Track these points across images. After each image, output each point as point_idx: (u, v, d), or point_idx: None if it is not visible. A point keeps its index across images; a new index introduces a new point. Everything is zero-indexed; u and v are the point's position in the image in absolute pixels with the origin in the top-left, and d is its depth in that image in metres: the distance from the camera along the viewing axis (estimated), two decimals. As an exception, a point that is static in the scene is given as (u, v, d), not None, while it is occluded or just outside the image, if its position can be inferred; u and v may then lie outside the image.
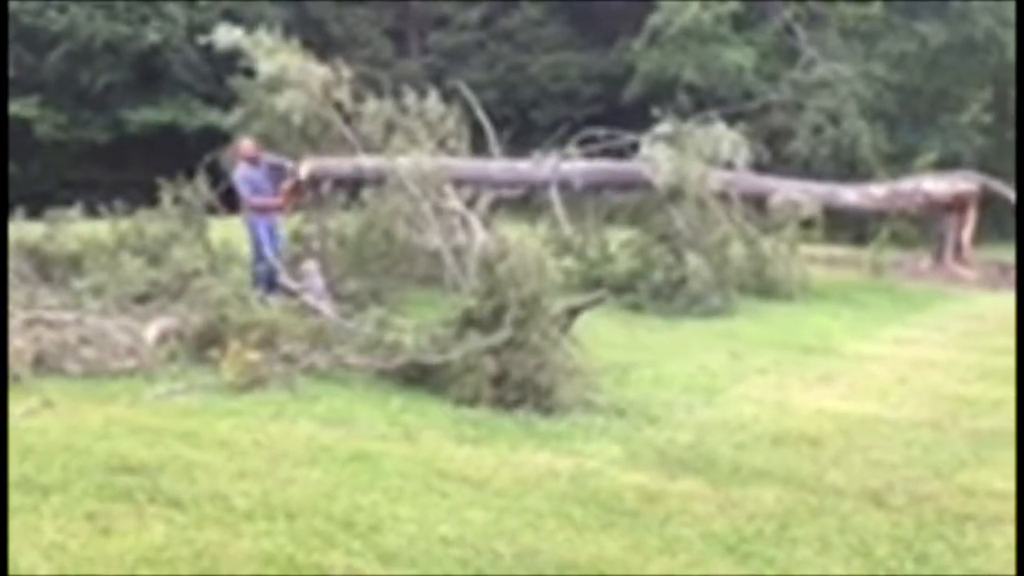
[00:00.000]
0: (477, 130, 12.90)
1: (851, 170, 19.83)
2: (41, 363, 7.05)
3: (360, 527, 4.37)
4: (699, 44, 23.14)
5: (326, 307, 8.69)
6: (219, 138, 15.82)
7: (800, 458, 5.78)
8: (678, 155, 12.36)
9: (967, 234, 14.69)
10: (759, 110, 20.14)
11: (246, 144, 10.71)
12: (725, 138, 12.79)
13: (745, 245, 12.94)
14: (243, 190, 10.44)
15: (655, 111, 13.39)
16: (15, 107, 23.38)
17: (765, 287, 12.63)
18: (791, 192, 13.48)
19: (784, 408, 7.06)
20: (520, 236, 8.34)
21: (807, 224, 13.05)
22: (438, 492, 4.91)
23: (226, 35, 11.32)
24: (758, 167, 13.61)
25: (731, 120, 13.43)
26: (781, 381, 8.00)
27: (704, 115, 13.63)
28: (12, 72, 23.82)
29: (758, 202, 13.35)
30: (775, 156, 15.44)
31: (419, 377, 7.18)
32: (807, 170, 19.04)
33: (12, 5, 23.73)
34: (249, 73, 11.48)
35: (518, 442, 5.93)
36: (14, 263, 9.88)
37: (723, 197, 12.54)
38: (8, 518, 4.06)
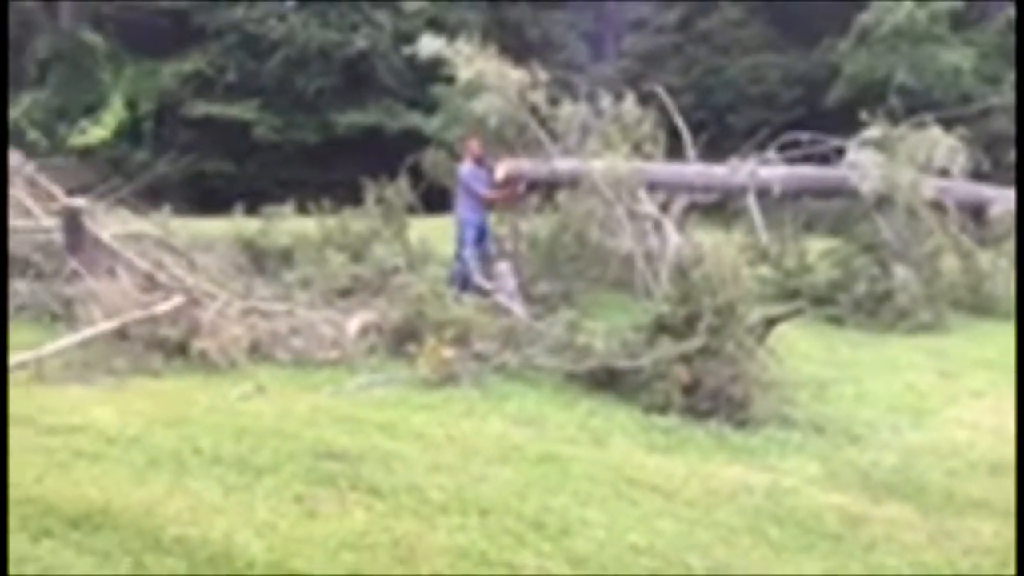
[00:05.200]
0: (673, 134, 12.70)
1: (1083, 179, 18.16)
2: (255, 350, 7.54)
3: (550, 529, 4.38)
4: (912, 44, 21.88)
5: (517, 308, 8.79)
6: (421, 141, 16.38)
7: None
8: (888, 161, 11.71)
9: None
10: (978, 114, 18.76)
11: (473, 144, 11.09)
12: (940, 144, 11.96)
13: (960, 258, 12.05)
14: (474, 186, 10.85)
15: (862, 115, 12.74)
16: (237, 110, 25.21)
17: (981, 304, 11.74)
18: (1012, 202, 12.49)
19: (1002, 435, 6.52)
20: (715, 242, 8.15)
21: (1030, 238, 12.03)
22: (627, 499, 4.86)
23: (428, 45, 11.68)
24: (976, 175, 12.67)
25: (947, 125, 12.56)
26: (999, 405, 7.39)
27: (917, 119, 12.83)
28: (235, 77, 25.69)
29: (976, 212, 12.46)
30: (995, 164, 14.30)
31: (608, 381, 7.12)
32: (1031, 179, 17.59)
33: (237, 14, 25.52)
34: (450, 80, 11.78)
35: (709, 453, 5.79)
36: (232, 255, 10.65)
37: (937, 206, 11.76)
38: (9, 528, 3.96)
